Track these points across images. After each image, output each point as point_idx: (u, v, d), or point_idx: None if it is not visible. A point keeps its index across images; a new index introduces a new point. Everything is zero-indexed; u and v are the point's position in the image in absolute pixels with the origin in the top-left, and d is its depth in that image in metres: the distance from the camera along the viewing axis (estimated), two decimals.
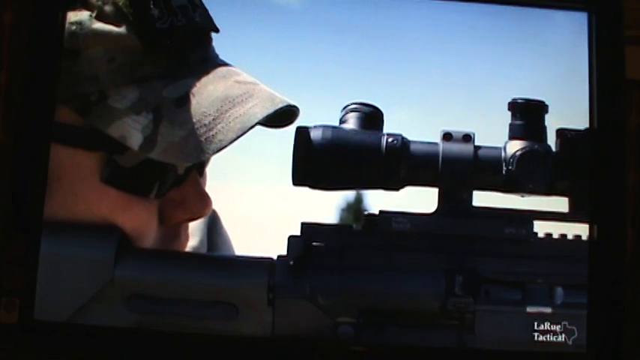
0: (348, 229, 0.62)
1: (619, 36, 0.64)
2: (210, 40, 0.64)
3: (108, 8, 0.59)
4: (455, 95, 0.69)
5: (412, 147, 0.61)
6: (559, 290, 0.61)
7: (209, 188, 0.66)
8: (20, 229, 0.61)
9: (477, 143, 0.61)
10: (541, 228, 0.62)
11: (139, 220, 0.61)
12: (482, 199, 0.62)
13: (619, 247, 0.62)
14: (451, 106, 0.69)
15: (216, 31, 0.65)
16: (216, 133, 0.58)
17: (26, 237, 0.61)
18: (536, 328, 0.60)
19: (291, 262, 0.60)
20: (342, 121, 0.62)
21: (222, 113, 0.58)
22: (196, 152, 0.58)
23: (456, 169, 0.60)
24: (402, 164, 0.60)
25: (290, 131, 0.61)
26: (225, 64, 0.64)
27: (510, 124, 0.62)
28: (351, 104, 0.62)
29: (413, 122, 0.66)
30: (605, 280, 0.61)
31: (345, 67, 0.70)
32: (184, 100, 0.59)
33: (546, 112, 0.62)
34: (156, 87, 0.59)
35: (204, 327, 0.60)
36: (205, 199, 0.64)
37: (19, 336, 0.61)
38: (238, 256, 0.69)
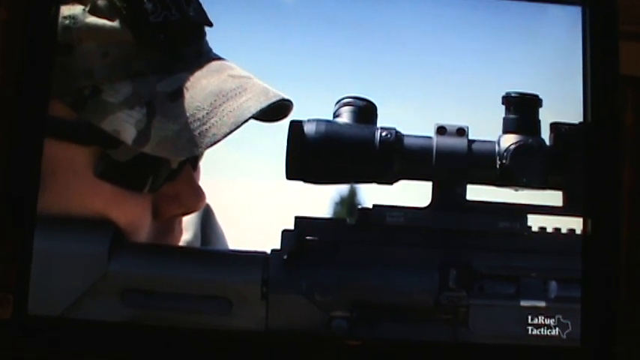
0: (342, 224, 0.62)
1: (614, 31, 0.64)
2: (203, 34, 0.64)
3: (101, 2, 0.59)
4: (449, 89, 0.69)
5: (406, 141, 0.61)
6: (553, 284, 0.61)
7: (203, 182, 0.66)
8: (13, 224, 0.61)
9: (471, 137, 0.61)
10: (535, 222, 0.62)
11: (132, 214, 0.61)
12: (476, 193, 0.61)
13: (614, 242, 0.62)
14: (445, 100, 0.69)
15: (210, 25, 0.64)
16: (209, 127, 0.58)
17: (19, 232, 0.61)
18: (530, 322, 0.60)
19: (285, 257, 0.60)
20: (335, 115, 0.62)
21: (215, 107, 0.58)
22: (190, 146, 0.58)
23: (450, 163, 0.60)
24: (395, 158, 0.60)
25: (284, 125, 0.61)
26: (219, 58, 0.64)
27: (504, 118, 0.62)
28: (345, 98, 0.62)
29: (407, 116, 0.66)
30: (599, 275, 0.61)
31: (339, 61, 0.70)
32: (178, 95, 0.59)
33: (540, 105, 0.62)
34: (150, 81, 0.59)
35: (198, 321, 0.60)
36: (199, 194, 0.64)
37: (13, 332, 0.61)
38: (232, 251, 0.69)
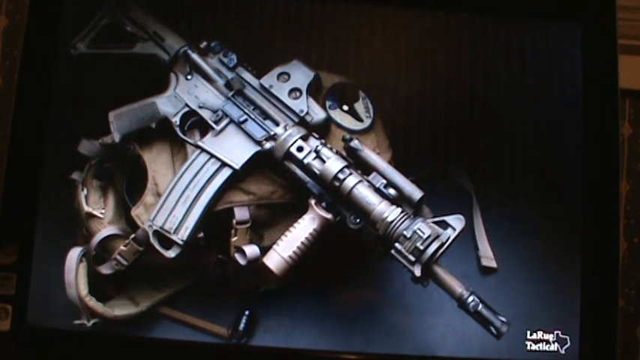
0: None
1: (612, 48, 0.64)
2: None
3: None
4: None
5: None
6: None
7: None
8: (13, 236, 0.61)
9: None
10: None
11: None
12: None
13: (612, 256, 0.62)
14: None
15: None
16: None
17: (19, 244, 0.61)
18: (528, 337, 0.60)
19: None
20: None
21: None
22: None
23: None
24: None
25: None
26: None
27: None
28: None
29: None
30: (598, 289, 0.61)
31: None
32: None
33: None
34: None
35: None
36: None
37: (12, 343, 0.61)
38: None
